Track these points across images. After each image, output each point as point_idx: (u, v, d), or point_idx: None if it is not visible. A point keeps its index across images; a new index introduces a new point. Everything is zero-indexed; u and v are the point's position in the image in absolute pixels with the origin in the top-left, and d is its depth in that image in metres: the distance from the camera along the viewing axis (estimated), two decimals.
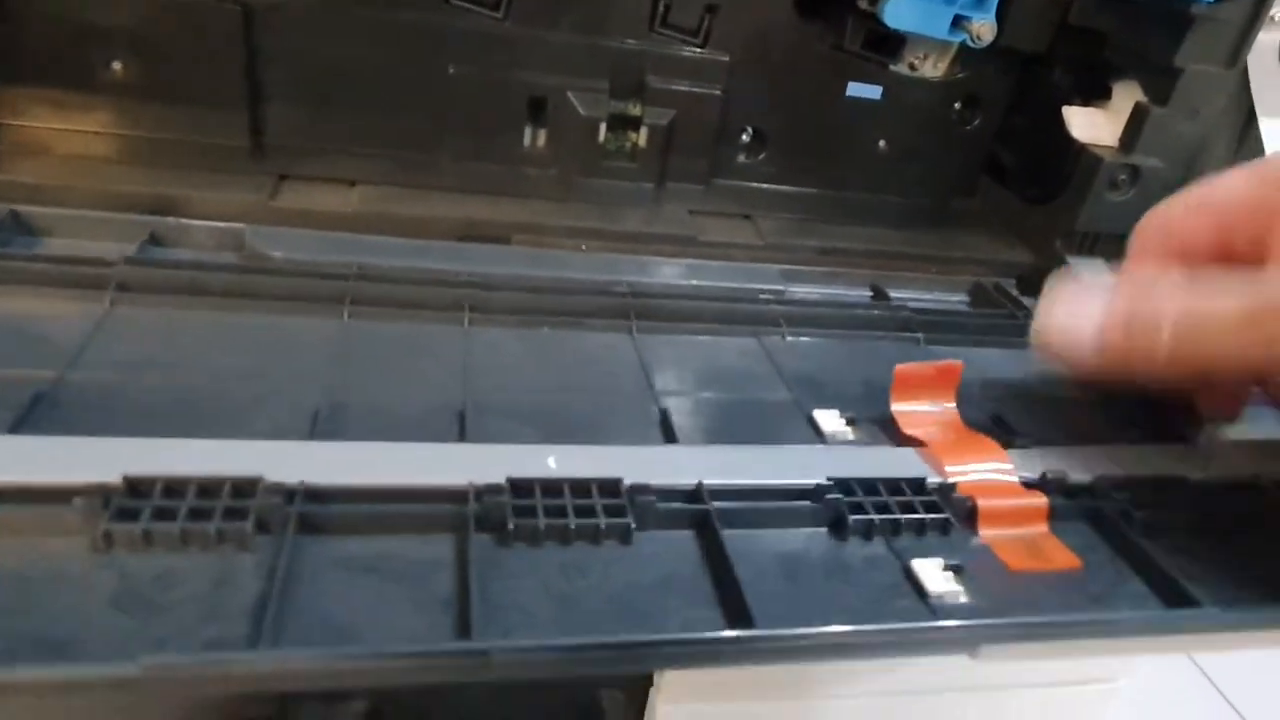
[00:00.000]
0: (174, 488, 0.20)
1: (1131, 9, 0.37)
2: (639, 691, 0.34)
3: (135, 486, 0.20)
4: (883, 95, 0.41)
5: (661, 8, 0.38)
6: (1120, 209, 0.39)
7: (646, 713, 0.34)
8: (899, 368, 0.28)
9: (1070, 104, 0.41)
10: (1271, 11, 0.36)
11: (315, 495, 0.21)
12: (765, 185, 0.42)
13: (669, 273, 0.36)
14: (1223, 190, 0.26)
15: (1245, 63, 0.37)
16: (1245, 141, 0.39)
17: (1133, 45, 0.38)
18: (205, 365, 0.27)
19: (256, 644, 0.18)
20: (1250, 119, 0.39)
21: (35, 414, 0.23)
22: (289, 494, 0.21)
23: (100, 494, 0.20)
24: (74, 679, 0.16)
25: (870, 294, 0.39)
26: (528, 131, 0.39)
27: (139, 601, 0.18)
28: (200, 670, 0.17)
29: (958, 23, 0.38)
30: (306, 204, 0.35)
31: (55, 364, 0.25)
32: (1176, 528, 0.25)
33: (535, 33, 0.37)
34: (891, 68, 0.41)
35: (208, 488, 0.21)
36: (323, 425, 0.24)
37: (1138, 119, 0.38)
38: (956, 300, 0.40)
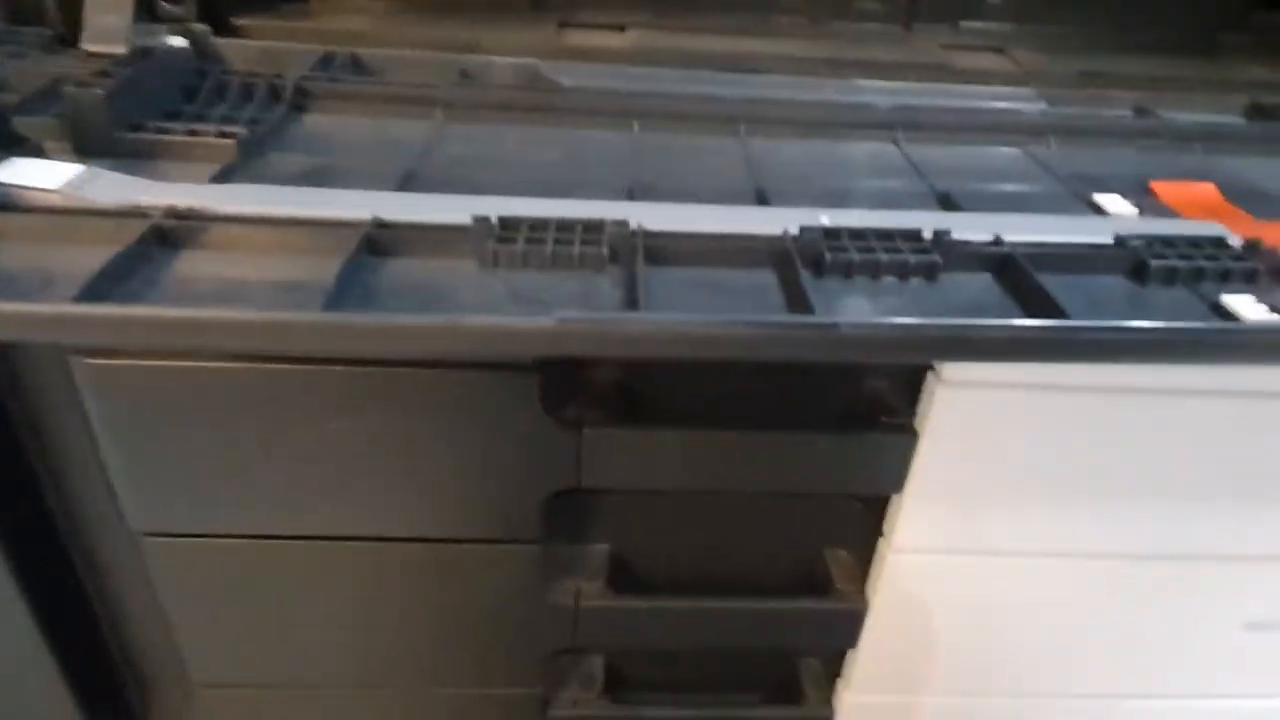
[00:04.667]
0: (536, 226, 0.24)
1: None
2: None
3: (507, 224, 0.24)
4: None
5: None
6: None
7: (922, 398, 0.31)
8: (1154, 185, 0.28)
9: None
10: None
11: (652, 235, 0.24)
12: (1011, 25, 0.42)
13: (927, 97, 0.37)
14: None
15: None
16: None
17: None
18: (526, 161, 0.30)
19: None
20: None
21: (410, 186, 0.27)
22: (633, 231, 0.24)
23: (485, 226, 0.23)
24: (498, 328, 0.20)
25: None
26: None
27: (528, 300, 0.22)
28: (597, 328, 0.20)
29: None
30: (587, 43, 0.38)
31: (412, 157, 0.29)
32: None
33: None
34: None
35: (563, 225, 0.24)
36: (638, 197, 0.27)
37: None
38: (1229, 120, 0.39)
